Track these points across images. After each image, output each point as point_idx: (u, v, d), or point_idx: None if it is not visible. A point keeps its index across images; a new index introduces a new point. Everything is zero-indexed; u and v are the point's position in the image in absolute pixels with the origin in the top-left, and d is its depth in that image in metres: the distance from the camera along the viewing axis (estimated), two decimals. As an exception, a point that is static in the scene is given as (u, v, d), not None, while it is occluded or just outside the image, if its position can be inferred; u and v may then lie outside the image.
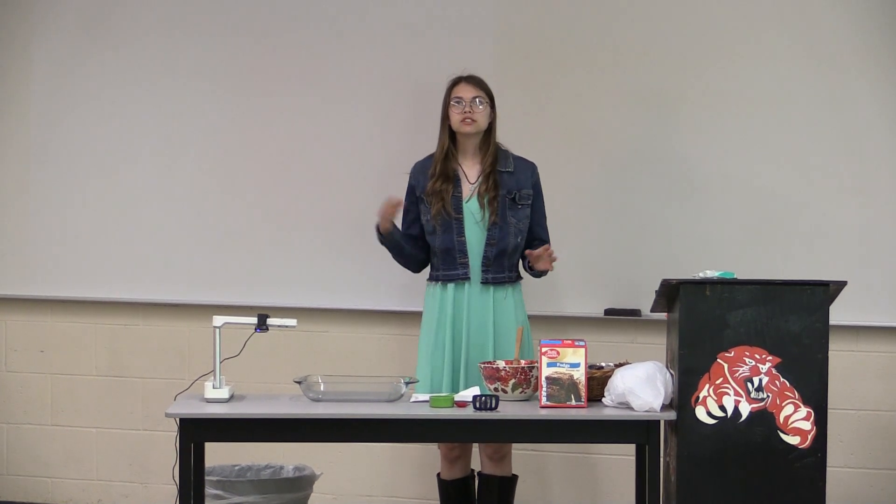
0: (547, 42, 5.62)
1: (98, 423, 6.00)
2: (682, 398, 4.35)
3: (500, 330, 4.97)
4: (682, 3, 5.55)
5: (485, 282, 4.98)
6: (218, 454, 5.10)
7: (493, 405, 4.37)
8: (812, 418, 4.33)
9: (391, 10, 5.73)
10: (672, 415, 4.35)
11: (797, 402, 4.33)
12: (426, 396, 4.56)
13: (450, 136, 5.03)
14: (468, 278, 4.98)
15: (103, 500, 6.01)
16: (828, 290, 4.38)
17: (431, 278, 5.07)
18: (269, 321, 4.64)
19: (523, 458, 5.53)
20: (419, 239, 5.08)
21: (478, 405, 4.36)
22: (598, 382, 4.48)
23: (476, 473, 5.15)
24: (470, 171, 5.04)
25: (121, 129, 5.90)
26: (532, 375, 4.52)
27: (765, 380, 4.33)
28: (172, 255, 5.86)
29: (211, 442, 4.57)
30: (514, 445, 5.14)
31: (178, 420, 4.38)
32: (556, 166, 5.39)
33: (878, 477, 5.56)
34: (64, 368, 6.02)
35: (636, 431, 4.38)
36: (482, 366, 4.60)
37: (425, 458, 5.73)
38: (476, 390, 4.51)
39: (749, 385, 4.33)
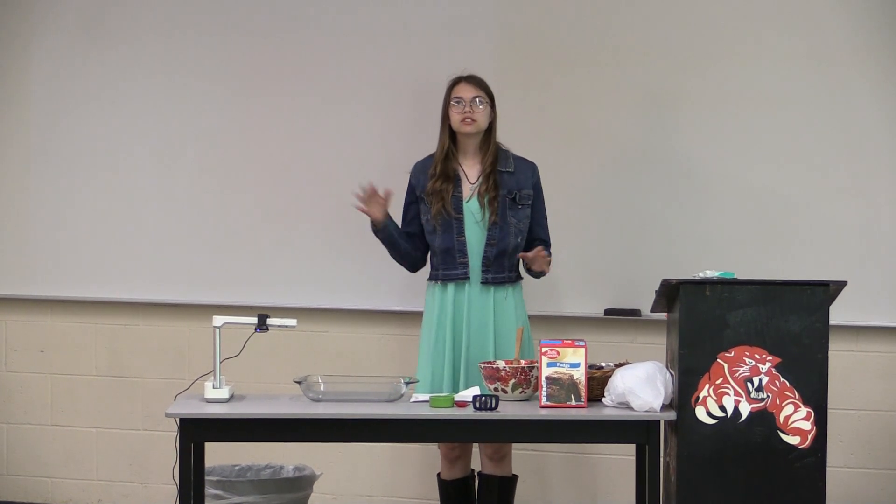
0: (547, 42, 5.62)
1: (98, 423, 6.00)
2: (682, 398, 4.34)
3: (500, 330, 4.97)
4: (682, 3, 5.55)
5: (485, 282, 4.98)
6: (218, 454, 5.10)
7: (493, 405, 4.37)
8: (812, 418, 4.33)
9: (391, 10, 5.73)
10: (672, 415, 4.35)
11: (797, 402, 4.33)
12: (426, 396, 4.56)
13: (450, 136, 5.03)
14: (467, 278, 4.98)
15: (103, 500, 6.01)
16: (828, 290, 4.38)
17: (431, 278, 5.07)
18: (269, 321, 4.64)
19: (523, 458, 5.53)
20: (416, 237, 5.08)
21: (478, 405, 4.36)
22: (598, 382, 4.48)
23: (476, 473, 5.15)
24: (470, 171, 5.04)
25: (121, 129, 5.90)
26: (532, 375, 4.52)
27: (765, 380, 4.33)
28: (172, 255, 5.85)
29: (211, 442, 4.57)
30: (514, 445, 5.14)
31: (178, 420, 4.38)
32: (556, 166, 5.39)
33: (878, 477, 5.56)
34: (64, 368, 6.02)
35: (636, 431, 4.38)
36: (482, 366, 4.60)
37: (425, 458, 5.73)
38: (476, 390, 4.51)
39: (749, 385, 4.33)
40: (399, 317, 5.72)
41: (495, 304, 4.98)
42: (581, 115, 5.59)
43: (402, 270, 5.19)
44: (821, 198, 5.46)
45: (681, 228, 5.53)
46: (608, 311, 5.58)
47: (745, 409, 4.33)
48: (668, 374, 4.43)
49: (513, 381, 4.52)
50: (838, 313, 4.63)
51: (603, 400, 4.46)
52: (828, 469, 4.35)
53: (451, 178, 5.01)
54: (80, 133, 5.92)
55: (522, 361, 4.63)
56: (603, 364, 4.59)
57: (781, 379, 4.33)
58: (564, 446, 5.70)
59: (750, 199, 5.49)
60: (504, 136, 5.09)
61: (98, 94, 5.90)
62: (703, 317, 4.36)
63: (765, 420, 4.32)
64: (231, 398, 4.56)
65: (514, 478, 5.12)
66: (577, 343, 4.42)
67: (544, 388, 4.41)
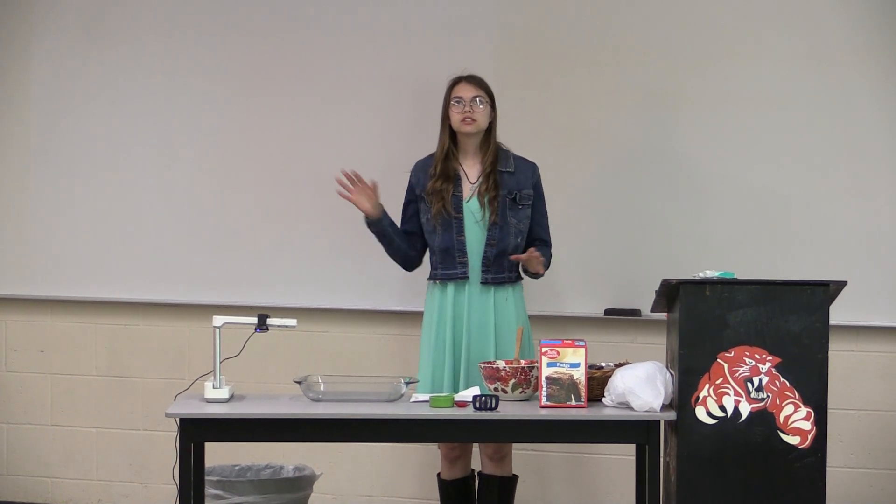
0: (547, 42, 5.62)
1: (98, 423, 6.01)
2: (682, 398, 4.34)
3: (500, 330, 4.97)
4: (682, 3, 5.55)
5: (485, 282, 4.98)
6: (218, 454, 5.10)
7: (493, 405, 4.37)
8: (812, 418, 4.33)
9: (391, 10, 5.73)
10: (672, 415, 4.35)
11: (797, 402, 4.33)
12: (426, 396, 4.56)
13: (450, 136, 5.03)
14: (467, 277, 4.97)
15: (103, 500, 6.01)
16: (828, 290, 4.38)
17: (431, 277, 5.07)
18: (269, 321, 4.64)
19: (523, 458, 5.53)
20: (413, 235, 5.07)
21: (478, 405, 4.36)
22: (598, 382, 4.48)
23: (476, 473, 5.15)
24: (470, 171, 5.04)
25: (120, 129, 5.90)
26: (532, 375, 4.52)
27: (765, 380, 4.33)
28: (172, 255, 5.86)
29: (211, 442, 4.57)
30: (515, 445, 5.14)
31: (178, 420, 4.38)
32: (556, 166, 5.39)
33: (878, 477, 5.56)
34: (64, 368, 6.02)
35: (636, 431, 4.38)
36: (482, 366, 4.60)
37: (425, 458, 5.73)
38: (476, 390, 4.51)
39: (749, 385, 4.33)
40: (399, 317, 5.72)
41: (496, 305, 4.98)
42: (581, 115, 5.59)
43: (402, 270, 5.19)
44: (821, 198, 5.46)
45: (681, 228, 5.53)
46: (608, 311, 5.58)
47: (745, 409, 4.33)
48: (668, 374, 4.43)
49: (513, 381, 4.52)
50: (838, 313, 4.63)
51: (603, 400, 4.46)
52: (828, 469, 4.35)
53: (452, 177, 5.01)
54: (80, 133, 5.92)
55: (522, 361, 4.63)
56: (603, 364, 4.59)
57: (781, 379, 4.33)
58: (564, 446, 5.70)
59: (750, 199, 5.49)
60: (504, 136, 5.09)
61: (98, 94, 5.91)
62: (703, 317, 4.36)
63: (765, 420, 4.32)
64: (231, 398, 4.56)
65: (515, 478, 5.12)
66: (577, 343, 4.42)
67: (544, 388, 4.40)
